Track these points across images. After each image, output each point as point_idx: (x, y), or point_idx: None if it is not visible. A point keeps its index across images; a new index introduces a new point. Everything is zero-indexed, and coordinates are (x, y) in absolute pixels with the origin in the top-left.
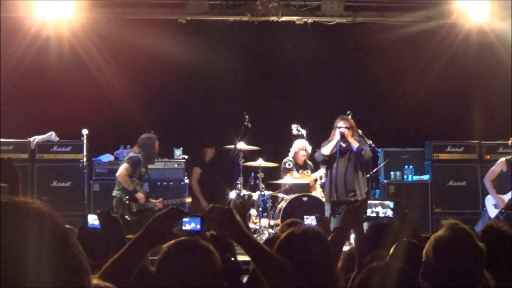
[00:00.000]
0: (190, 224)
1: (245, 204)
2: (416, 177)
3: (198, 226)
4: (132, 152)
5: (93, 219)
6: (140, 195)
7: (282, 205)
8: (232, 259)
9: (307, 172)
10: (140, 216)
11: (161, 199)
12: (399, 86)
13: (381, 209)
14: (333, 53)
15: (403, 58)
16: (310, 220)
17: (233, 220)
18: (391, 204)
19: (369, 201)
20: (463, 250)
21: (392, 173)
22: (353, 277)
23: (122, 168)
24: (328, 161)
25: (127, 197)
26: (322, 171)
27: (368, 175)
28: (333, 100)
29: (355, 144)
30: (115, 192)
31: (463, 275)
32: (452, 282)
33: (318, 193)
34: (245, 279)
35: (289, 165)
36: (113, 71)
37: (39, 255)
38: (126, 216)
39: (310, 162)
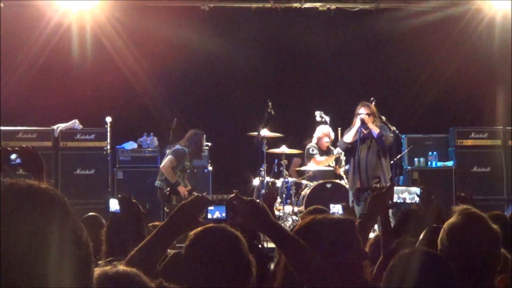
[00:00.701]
0: (215, 213)
1: (272, 194)
2: (440, 163)
3: (224, 215)
4: (179, 145)
5: (114, 204)
6: (182, 188)
7: (306, 192)
8: (260, 246)
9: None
10: None
11: (205, 193)
12: (423, 72)
13: (407, 195)
14: (356, 39)
15: (426, 44)
16: (336, 209)
17: (258, 213)
18: (417, 190)
19: (395, 187)
20: (477, 234)
21: (416, 159)
22: (379, 264)
23: (167, 160)
24: (351, 148)
25: (168, 188)
26: (338, 150)
27: (392, 162)
28: (357, 87)
29: (375, 130)
30: (157, 182)
31: (480, 259)
32: (469, 267)
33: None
34: (272, 266)
35: (312, 150)
36: (136, 59)
37: (54, 252)
38: (165, 208)
39: (333, 148)
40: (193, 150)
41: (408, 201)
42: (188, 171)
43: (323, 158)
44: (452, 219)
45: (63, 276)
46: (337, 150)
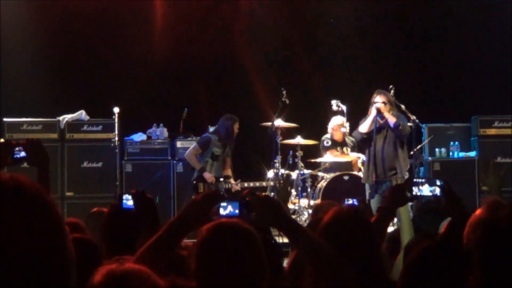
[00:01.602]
0: (227, 209)
1: (286, 189)
2: (462, 154)
3: (237, 211)
4: (207, 132)
5: (127, 200)
6: (207, 175)
7: (322, 184)
8: (273, 241)
9: (346, 150)
10: None
11: (239, 180)
12: (443, 59)
13: (428, 187)
14: (373, 25)
15: (447, 29)
16: (351, 202)
17: (273, 209)
18: (438, 182)
19: (415, 179)
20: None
21: (437, 150)
22: (398, 258)
23: (191, 148)
24: (367, 139)
25: (195, 176)
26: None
27: (411, 152)
28: (375, 74)
29: (392, 120)
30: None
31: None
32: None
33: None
34: (285, 262)
35: (327, 143)
36: (144, 47)
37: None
38: (193, 197)
39: (350, 138)
40: (223, 136)
41: (428, 193)
42: (223, 159)
43: (338, 154)
44: (477, 212)
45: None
46: (355, 154)
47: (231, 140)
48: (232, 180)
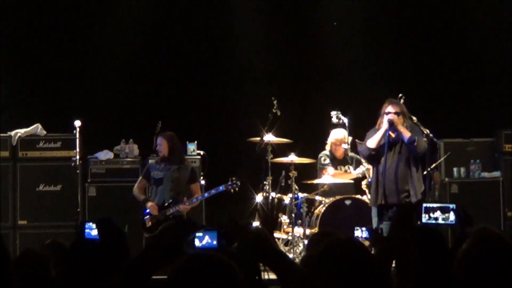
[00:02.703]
0: (203, 239)
1: (272, 216)
2: (484, 174)
3: (215, 242)
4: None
5: (91, 229)
6: (148, 204)
7: (320, 210)
8: (258, 278)
9: (348, 168)
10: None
11: (184, 199)
12: (460, 64)
13: (440, 214)
14: (380, 28)
15: (465, 30)
16: (360, 232)
17: (257, 240)
18: (451, 206)
19: (425, 204)
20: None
21: (455, 169)
22: None
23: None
24: (375, 156)
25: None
26: (362, 169)
27: (425, 172)
28: (381, 82)
29: (406, 134)
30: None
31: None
32: None
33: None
34: None
35: (324, 160)
36: (111, 50)
37: None
38: (145, 234)
39: (354, 155)
40: (158, 156)
41: (441, 221)
42: (171, 180)
43: (333, 171)
44: (464, 245)
45: None
46: (359, 170)
47: (162, 160)
48: (184, 205)
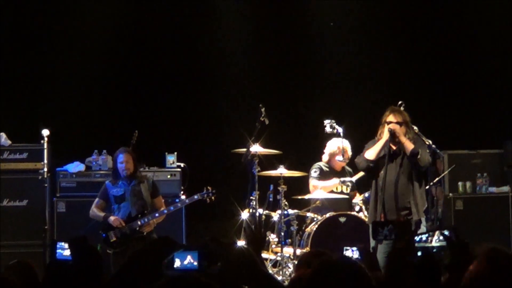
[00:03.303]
0: (184, 260)
1: (259, 235)
2: (492, 189)
3: (195, 263)
4: None
5: (63, 249)
6: (112, 218)
7: (312, 228)
8: None
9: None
10: (125, 247)
11: (151, 215)
12: (466, 68)
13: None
14: (377, 30)
15: (471, 33)
16: (350, 253)
17: (242, 260)
18: (446, 232)
19: (418, 237)
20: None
21: (460, 183)
22: None
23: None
24: (374, 169)
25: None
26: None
27: (427, 187)
28: (379, 88)
29: (409, 146)
30: None
31: None
32: None
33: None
34: None
35: (315, 172)
36: (82, 53)
37: None
38: (108, 250)
39: (350, 169)
40: (113, 175)
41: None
42: (134, 194)
43: (324, 182)
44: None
45: None
46: (349, 179)
47: (119, 176)
48: (154, 217)
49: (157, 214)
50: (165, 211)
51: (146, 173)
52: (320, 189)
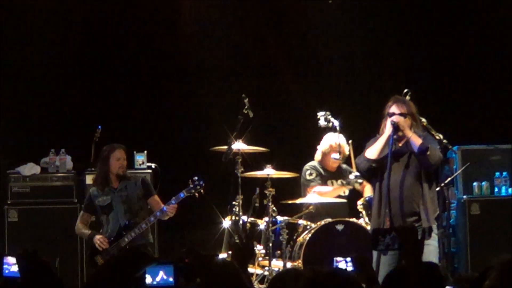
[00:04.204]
0: (157, 276)
1: (245, 246)
2: None
3: (171, 279)
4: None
5: (9, 265)
6: (96, 238)
7: (305, 237)
8: None
9: (342, 184)
10: None
11: (138, 227)
12: (481, 54)
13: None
14: (380, 5)
15: (486, 14)
16: (343, 264)
17: (224, 275)
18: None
19: None
20: None
21: (475, 184)
22: None
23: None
24: (376, 170)
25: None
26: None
27: (438, 189)
28: (381, 75)
29: (416, 141)
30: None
31: None
32: None
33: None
34: None
35: (310, 174)
36: (36, 41)
37: None
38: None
39: (347, 168)
40: (100, 178)
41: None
42: (123, 201)
43: (328, 188)
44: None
45: None
46: (354, 175)
47: (108, 179)
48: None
49: (144, 225)
50: (152, 219)
51: None
52: (329, 192)
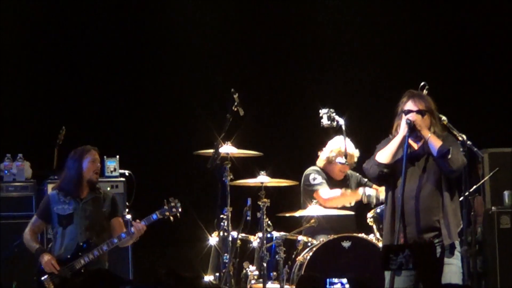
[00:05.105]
0: None
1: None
2: None
3: None
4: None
5: None
6: (44, 259)
7: (305, 256)
8: None
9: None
10: None
11: (97, 248)
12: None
13: None
14: None
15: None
16: (339, 287)
17: None
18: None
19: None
20: None
21: (506, 193)
22: None
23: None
24: (389, 176)
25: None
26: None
27: (461, 198)
28: (393, 68)
29: (435, 143)
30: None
31: None
32: None
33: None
34: None
35: (314, 179)
36: None
37: None
38: None
39: (353, 174)
40: (67, 184)
41: None
42: (86, 215)
43: (337, 191)
44: None
45: None
46: (368, 192)
47: (77, 185)
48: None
49: (105, 247)
50: (116, 241)
51: None
52: (337, 198)
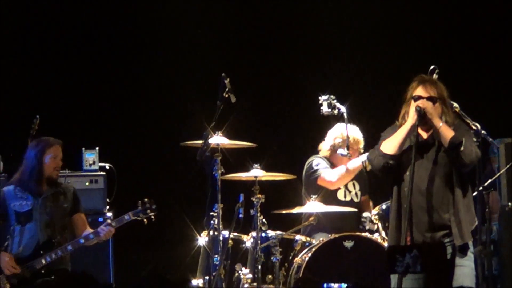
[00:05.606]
0: None
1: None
2: None
3: None
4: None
5: None
6: (3, 260)
7: (304, 258)
8: None
9: (354, 187)
10: None
11: (61, 248)
12: None
13: None
14: None
15: None
16: None
17: None
18: None
19: None
20: None
21: None
22: None
23: None
24: (396, 169)
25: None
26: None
27: (474, 193)
28: (399, 52)
29: (446, 133)
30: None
31: None
32: None
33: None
34: None
35: (317, 164)
36: None
37: None
38: None
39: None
40: (27, 178)
41: None
42: (46, 212)
43: (342, 168)
44: None
45: None
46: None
47: (40, 180)
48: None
49: (69, 247)
50: (82, 241)
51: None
52: (346, 176)
